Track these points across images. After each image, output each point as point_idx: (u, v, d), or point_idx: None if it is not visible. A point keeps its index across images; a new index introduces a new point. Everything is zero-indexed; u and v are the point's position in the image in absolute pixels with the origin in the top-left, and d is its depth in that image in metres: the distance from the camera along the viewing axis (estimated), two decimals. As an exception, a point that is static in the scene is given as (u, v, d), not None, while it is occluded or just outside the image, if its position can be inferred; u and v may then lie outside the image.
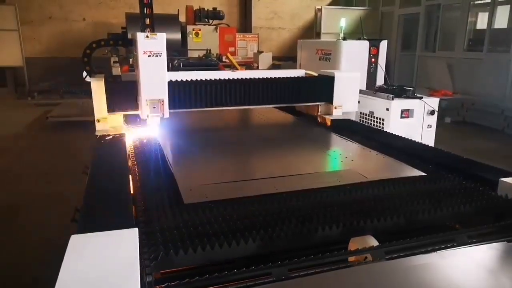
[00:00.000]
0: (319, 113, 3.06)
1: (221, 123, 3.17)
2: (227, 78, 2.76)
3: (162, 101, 2.34)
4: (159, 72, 2.31)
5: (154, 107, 2.35)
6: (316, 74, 3.18)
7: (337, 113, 2.97)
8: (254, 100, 2.82)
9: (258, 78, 2.86)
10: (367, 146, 2.28)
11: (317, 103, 3.05)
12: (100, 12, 11.38)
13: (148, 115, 2.35)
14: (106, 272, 0.94)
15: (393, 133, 2.59)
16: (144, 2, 2.50)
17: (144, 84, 2.30)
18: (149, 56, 2.25)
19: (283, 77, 2.98)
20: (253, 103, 2.83)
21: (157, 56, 2.27)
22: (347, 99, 2.99)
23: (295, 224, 1.25)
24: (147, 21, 2.51)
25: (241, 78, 2.81)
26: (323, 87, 2.97)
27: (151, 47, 2.25)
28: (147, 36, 2.24)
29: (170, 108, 2.46)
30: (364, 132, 2.62)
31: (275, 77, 2.93)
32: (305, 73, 3.20)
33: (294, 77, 3.07)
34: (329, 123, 2.89)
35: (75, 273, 0.93)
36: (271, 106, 3.11)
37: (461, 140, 6.61)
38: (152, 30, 2.51)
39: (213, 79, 2.72)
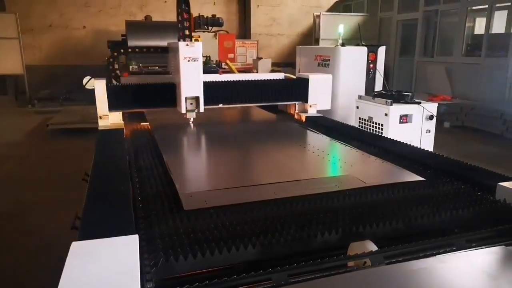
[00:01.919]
0: (296, 111, 3.41)
1: (212, 125, 3.25)
2: (216, 81, 3.16)
3: (198, 98, 2.80)
4: (196, 74, 2.76)
5: (191, 104, 2.81)
6: (294, 77, 3.56)
7: (311, 111, 3.34)
8: (241, 100, 3.20)
9: (245, 80, 3.26)
10: (343, 141, 2.42)
11: (295, 102, 3.43)
12: (100, 20, 11.46)
13: (186, 110, 2.82)
14: (106, 278, 0.94)
15: (375, 134, 2.73)
16: (184, 17, 2.97)
17: (183, 84, 2.74)
18: (188, 61, 2.69)
19: (265, 79, 3.32)
20: (240, 102, 3.23)
21: (194, 61, 2.72)
22: (321, 99, 3.35)
23: (295, 230, 1.26)
24: (186, 32, 2.97)
25: (230, 81, 3.21)
26: (299, 88, 3.32)
27: (190, 54, 2.69)
28: (187, 45, 2.69)
29: (171, 106, 2.85)
30: (338, 128, 2.90)
31: (259, 80, 3.29)
32: (285, 76, 3.57)
33: (275, 79, 3.44)
34: (304, 120, 3.24)
35: (76, 280, 0.94)
36: (255, 104, 3.52)
37: (460, 144, 6.62)
38: (190, 39, 2.93)
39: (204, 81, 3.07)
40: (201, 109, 2.82)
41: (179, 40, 2.91)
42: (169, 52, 3.12)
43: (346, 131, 2.81)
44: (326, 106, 3.42)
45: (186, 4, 2.91)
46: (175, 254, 1.10)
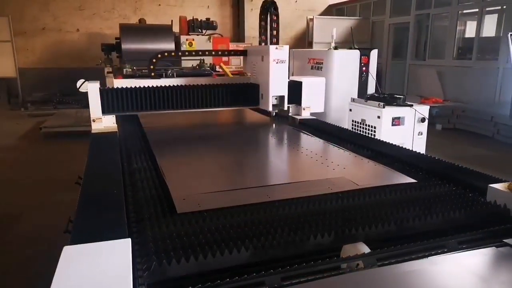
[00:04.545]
0: (290, 114, 3.44)
1: (206, 128, 3.27)
2: (209, 84, 3.18)
3: (283, 97, 3.11)
4: (282, 74, 3.04)
5: (276, 103, 3.13)
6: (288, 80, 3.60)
7: (305, 114, 3.38)
8: (234, 102, 3.20)
9: (237, 83, 3.31)
10: (337, 144, 2.41)
11: (288, 105, 3.41)
12: (94, 23, 11.41)
13: (273, 109, 3.14)
14: (99, 283, 0.94)
15: (368, 136, 2.75)
16: (274, 26, 3.20)
17: (272, 83, 3.02)
18: (277, 63, 2.96)
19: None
20: (233, 105, 3.24)
21: (282, 63, 2.98)
22: (314, 102, 3.40)
23: (288, 233, 1.26)
24: (274, 40, 3.20)
25: (224, 84, 3.23)
26: (293, 91, 3.32)
27: (278, 56, 2.95)
28: (276, 48, 2.94)
29: (165, 109, 2.93)
30: (333, 131, 2.89)
31: (253, 83, 3.33)
32: None
33: None
34: (298, 122, 3.27)
35: (67, 285, 0.93)
36: (249, 107, 3.55)
37: (452, 146, 6.68)
38: (277, 43, 3.13)
39: (197, 84, 3.12)
40: (285, 107, 3.15)
41: (260, 44, 3.23)
42: (249, 55, 3.43)
43: (338, 134, 2.83)
44: (320, 109, 3.47)
45: (275, 10, 3.14)
46: (168, 257, 1.10)
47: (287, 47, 2.97)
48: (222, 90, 3.14)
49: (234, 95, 3.18)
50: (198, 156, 2.36)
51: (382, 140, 2.63)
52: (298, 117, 3.32)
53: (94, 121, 2.77)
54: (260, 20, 3.26)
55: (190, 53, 3.59)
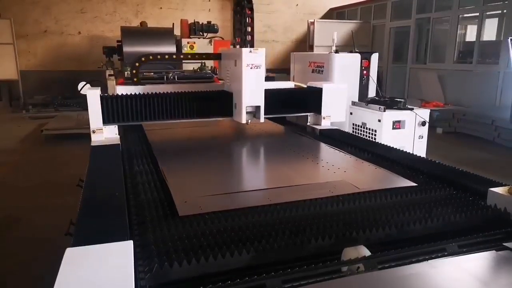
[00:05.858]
0: (308, 123, 3.18)
1: (213, 134, 3.19)
2: (219, 90, 2.92)
3: (259, 107, 2.67)
4: (258, 82, 2.62)
5: (251, 113, 2.69)
6: (305, 86, 3.29)
7: (325, 123, 3.10)
8: (207, 113, 2.85)
9: (210, 91, 2.97)
10: (358, 156, 2.34)
11: (307, 114, 3.18)
12: (96, 26, 11.45)
13: (248, 121, 2.68)
14: (101, 285, 0.94)
15: (384, 144, 2.65)
16: (248, 22, 2.86)
17: (245, 92, 2.60)
18: (251, 68, 2.56)
19: (273, 89, 3.02)
20: (205, 116, 2.86)
21: (257, 68, 2.59)
22: (335, 110, 3.12)
23: (289, 235, 1.27)
24: (249, 38, 2.88)
25: (189, 92, 2.84)
26: (311, 99, 3.09)
27: (253, 60, 2.56)
28: (250, 51, 2.55)
29: (165, 119, 2.67)
30: (354, 142, 2.68)
31: (266, 89, 2.95)
32: (295, 85, 3.30)
33: (284, 88, 3.17)
34: (318, 133, 3.01)
35: (70, 286, 0.94)
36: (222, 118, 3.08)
37: (452, 150, 6.68)
38: (252, 45, 2.82)
39: (201, 91, 2.88)
40: (261, 119, 2.70)
41: (234, 46, 2.88)
42: (223, 59, 3.02)
43: (339, 138, 2.83)
44: (341, 118, 3.15)
45: (249, 3, 2.78)
46: (170, 260, 1.11)
47: (263, 50, 2.59)
48: (191, 99, 2.73)
49: (204, 104, 2.81)
50: (201, 162, 2.35)
51: (383, 144, 2.63)
52: (318, 127, 3.06)
53: (94, 132, 2.49)
54: (234, 20, 2.93)
55: (170, 56, 3.28)
